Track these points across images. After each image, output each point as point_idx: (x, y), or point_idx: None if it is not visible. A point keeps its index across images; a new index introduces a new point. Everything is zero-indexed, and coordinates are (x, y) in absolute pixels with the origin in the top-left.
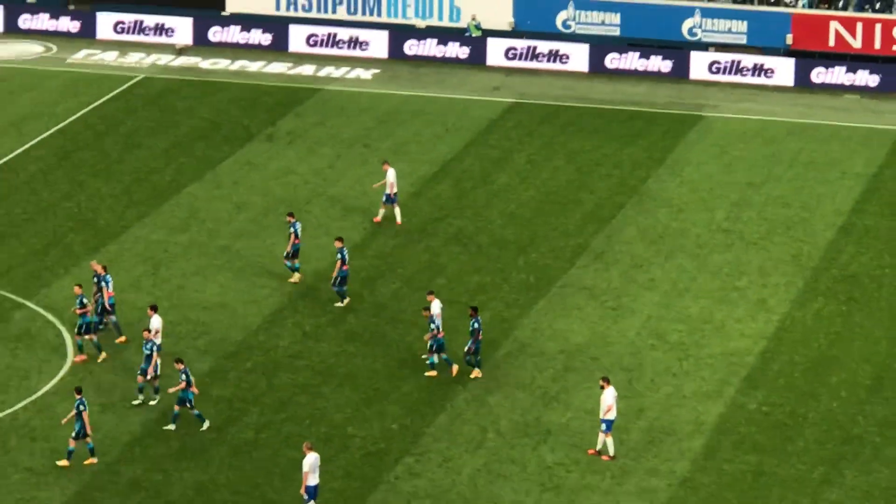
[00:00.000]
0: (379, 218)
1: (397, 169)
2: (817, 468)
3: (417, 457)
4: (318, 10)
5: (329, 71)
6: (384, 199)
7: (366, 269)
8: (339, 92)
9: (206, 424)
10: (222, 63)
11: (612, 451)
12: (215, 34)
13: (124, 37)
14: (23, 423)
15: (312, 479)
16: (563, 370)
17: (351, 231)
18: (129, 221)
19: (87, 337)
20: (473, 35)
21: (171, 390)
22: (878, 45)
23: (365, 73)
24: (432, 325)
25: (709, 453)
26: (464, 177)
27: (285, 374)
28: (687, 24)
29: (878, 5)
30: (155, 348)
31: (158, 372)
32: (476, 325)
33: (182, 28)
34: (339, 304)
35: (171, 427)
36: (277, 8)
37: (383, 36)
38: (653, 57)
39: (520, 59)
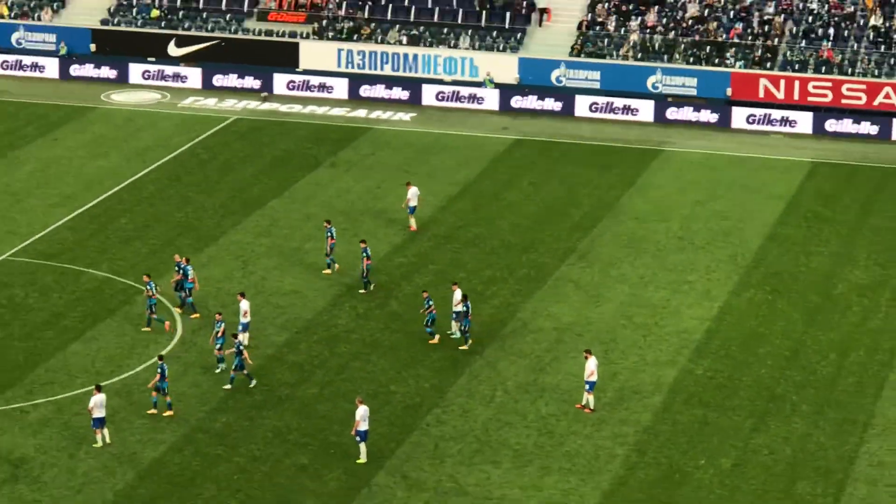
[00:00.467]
0: (414, 227)
1: (430, 189)
2: (748, 419)
3: (443, 409)
4: (369, 67)
5: (378, 114)
6: (410, 210)
7: (405, 266)
8: (385, 130)
9: (253, 382)
10: (296, 108)
11: (592, 406)
12: (291, 85)
13: (222, 86)
14: (143, 381)
15: (363, 426)
16: (555, 343)
17: (393, 236)
18: (225, 228)
19: (153, 317)
20: (488, 87)
21: (227, 352)
22: (796, 96)
23: (405, 116)
24: (428, 304)
25: (665, 407)
26: (479, 195)
27: (343, 345)
28: (651, 80)
29: (796, 66)
30: (223, 326)
31: (247, 342)
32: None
33: (266, 81)
34: (361, 291)
35: (228, 386)
36: (339, 65)
37: (419, 87)
38: (625, 104)
39: (523, 105)
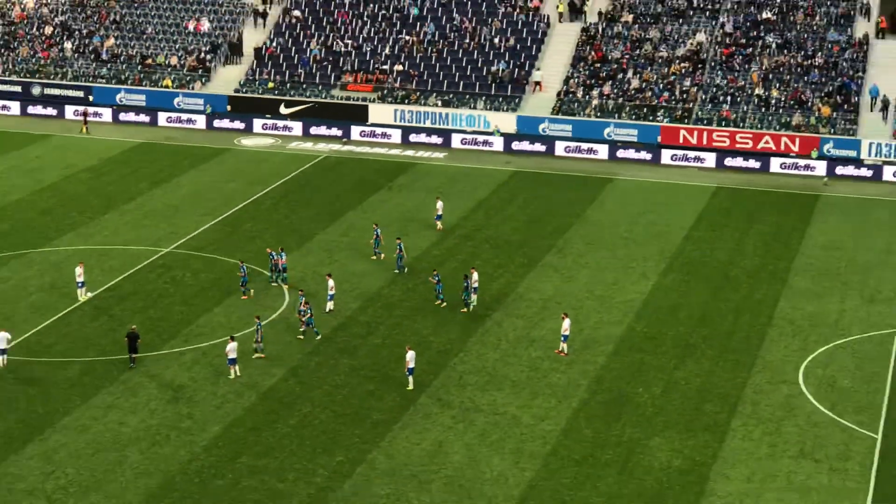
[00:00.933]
0: (440, 227)
1: (455, 204)
2: (671, 360)
3: (465, 353)
4: (416, 121)
5: (421, 153)
6: (437, 217)
7: (437, 257)
8: (426, 164)
9: (318, 336)
10: (366, 149)
11: (566, 351)
12: (363, 134)
13: (316, 134)
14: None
15: (411, 364)
16: (541, 309)
17: (431, 236)
18: (316, 231)
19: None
20: (496, 136)
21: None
22: (705, 141)
23: (440, 155)
24: (436, 278)
25: (615, 353)
26: (489, 208)
27: (397, 310)
28: (606, 131)
29: (705, 122)
30: (304, 299)
31: (332, 308)
32: (467, 283)
33: (345, 131)
34: (395, 271)
35: (301, 336)
36: (395, 120)
37: (449, 136)
38: (588, 147)
39: (520, 148)
